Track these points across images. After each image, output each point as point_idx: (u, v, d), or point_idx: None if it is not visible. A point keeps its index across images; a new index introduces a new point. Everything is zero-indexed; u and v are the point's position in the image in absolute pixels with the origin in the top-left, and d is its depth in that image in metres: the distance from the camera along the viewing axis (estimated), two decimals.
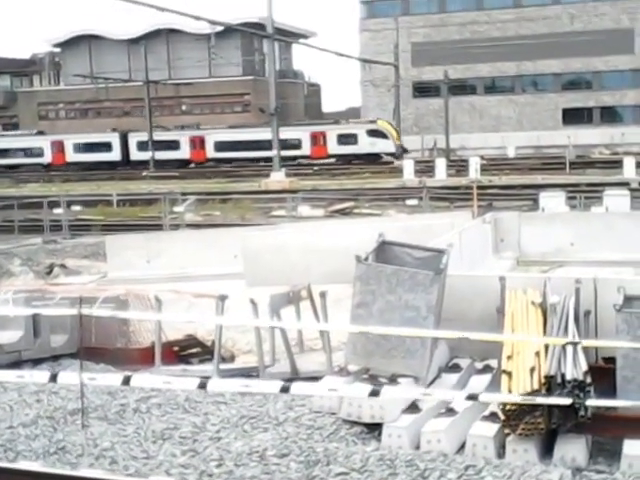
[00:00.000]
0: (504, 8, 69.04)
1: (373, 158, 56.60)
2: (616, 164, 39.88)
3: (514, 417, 6.70)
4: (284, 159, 56.72)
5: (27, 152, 65.99)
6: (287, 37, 60.86)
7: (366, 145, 57.53)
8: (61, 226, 27.57)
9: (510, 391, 6.81)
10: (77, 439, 6.77)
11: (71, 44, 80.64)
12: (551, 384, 6.74)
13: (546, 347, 7.11)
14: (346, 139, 58.17)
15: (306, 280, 11.29)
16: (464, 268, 10.42)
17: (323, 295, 8.67)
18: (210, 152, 61.40)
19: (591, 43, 65.31)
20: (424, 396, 6.83)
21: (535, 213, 17.44)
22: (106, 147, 64.25)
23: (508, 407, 6.77)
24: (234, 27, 50.85)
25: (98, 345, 9.88)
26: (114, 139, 64.59)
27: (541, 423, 6.62)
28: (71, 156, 64.98)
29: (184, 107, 73.10)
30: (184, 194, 32.53)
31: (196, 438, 6.80)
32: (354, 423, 7.12)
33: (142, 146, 62.38)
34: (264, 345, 8.82)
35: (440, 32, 70.41)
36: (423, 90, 70.49)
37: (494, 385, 7.79)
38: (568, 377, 6.67)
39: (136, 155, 63.23)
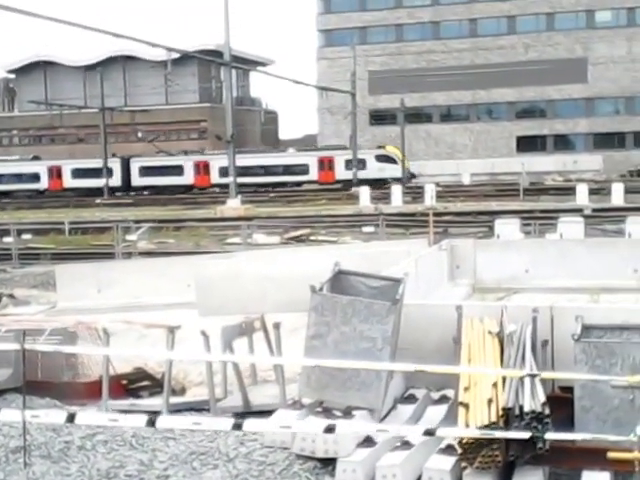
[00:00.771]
0: (460, 37, 70.30)
1: (381, 183, 56.64)
2: (569, 191, 40.44)
3: (471, 450, 6.57)
4: (291, 184, 56.82)
5: (21, 178, 64.12)
6: (245, 65, 60.98)
7: (374, 170, 57.58)
8: (11, 255, 26.94)
9: (467, 424, 6.67)
10: (18, 479, 6.47)
11: (26, 70, 79.93)
12: (509, 416, 6.61)
13: (504, 377, 7.00)
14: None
15: (261, 309, 11.10)
16: (420, 296, 10.32)
17: (277, 326, 8.47)
18: (215, 178, 60.50)
19: (545, 72, 66.69)
20: (380, 431, 6.64)
21: (490, 240, 17.45)
22: (107, 173, 62.97)
23: (465, 440, 6.63)
24: (191, 54, 50.73)
25: (44, 379, 9.53)
26: (115, 164, 63.38)
27: (499, 456, 6.50)
28: (69, 182, 63.78)
29: (140, 134, 72.64)
30: (137, 222, 32.06)
31: (142, 477, 6.57)
32: (307, 458, 6.95)
33: (145, 172, 61.38)
34: (216, 377, 8.57)
35: (397, 61, 71.36)
36: (380, 118, 71.23)
37: (451, 416, 7.66)
38: (526, 409, 6.56)
39: (138, 181, 62.15)
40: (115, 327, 11.16)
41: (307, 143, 75.36)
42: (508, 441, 6.47)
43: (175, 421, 7.10)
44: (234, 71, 51.93)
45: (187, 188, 60.25)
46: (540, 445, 6.37)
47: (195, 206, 47.93)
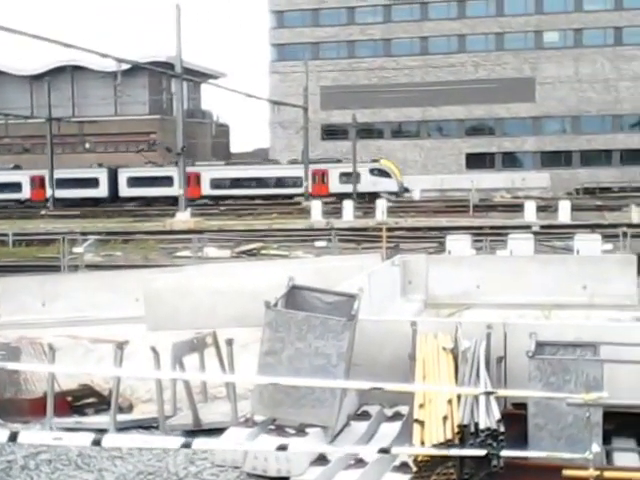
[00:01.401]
0: (411, 55, 71.00)
1: (374, 197, 56.64)
2: (517, 208, 40.98)
3: (426, 468, 6.51)
4: (283, 197, 56.22)
5: (2, 187, 62.24)
6: (196, 77, 60.62)
7: (369, 184, 57.30)
8: None
9: (423, 441, 6.59)
10: None
11: None
12: (464, 433, 6.56)
13: (458, 394, 6.95)
14: (348, 177, 57.93)
15: (211, 324, 10.90)
16: (373, 311, 10.26)
17: (230, 342, 8.29)
18: (206, 189, 59.90)
19: (494, 91, 67.80)
20: (334, 449, 6.52)
21: (442, 256, 17.54)
22: (92, 183, 61.79)
23: (420, 458, 6.55)
24: (141, 65, 50.24)
25: None
26: (102, 175, 62.19)
27: (454, 474, 6.45)
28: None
29: (87, 145, 71.62)
30: (84, 234, 31.45)
31: None
32: (259, 477, 6.80)
33: (133, 182, 60.14)
34: (165, 393, 8.35)
35: (349, 76, 71.82)
36: (332, 133, 71.52)
37: (405, 433, 7.59)
38: (481, 426, 6.52)
39: (126, 192, 60.84)
40: (60, 342, 10.85)
41: (258, 157, 75.20)
42: (463, 459, 6.41)
43: (122, 439, 6.87)
44: (185, 83, 51.69)
45: (177, 200, 59.55)
46: (495, 463, 6.33)
47: (144, 218, 47.28)
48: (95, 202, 59.69)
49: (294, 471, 6.67)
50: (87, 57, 51.62)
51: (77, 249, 27.62)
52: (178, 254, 28.03)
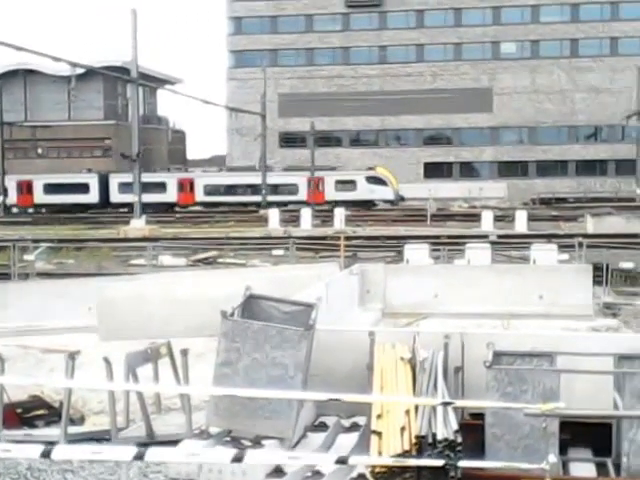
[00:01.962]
0: (370, 64, 71.25)
1: (370, 205, 56.09)
2: (474, 217, 41.26)
3: (383, 479, 6.43)
4: (279, 204, 55.70)
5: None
6: (152, 82, 60.08)
7: (365, 192, 57.06)
8: None
9: (380, 452, 6.53)
10: None
11: None
12: (422, 444, 6.52)
13: (416, 405, 6.91)
14: (344, 185, 57.66)
15: (166, 333, 10.73)
16: (331, 320, 10.18)
17: (185, 352, 8.14)
18: (199, 195, 59.16)
19: (452, 101, 68.36)
20: (290, 460, 6.41)
21: (400, 265, 17.54)
22: (83, 188, 60.44)
23: (377, 469, 6.49)
24: (96, 70, 49.66)
25: None
26: (92, 180, 60.81)
27: None
28: (41, 197, 60.67)
29: (40, 150, 70.51)
30: (35, 241, 30.84)
31: None
32: None
33: (125, 188, 58.99)
34: (118, 404, 8.16)
35: (307, 84, 71.84)
36: (290, 140, 71.43)
37: (362, 444, 7.52)
38: (439, 437, 6.49)
39: (117, 197, 59.41)
40: (10, 352, 10.61)
41: (215, 164, 74.77)
42: (420, 470, 6.37)
43: (73, 452, 6.68)
44: (141, 89, 51.10)
45: (170, 206, 58.67)
46: (452, 473, 6.28)
47: (98, 226, 46.48)
48: (85, 208, 58.71)
49: None
50: (40, 61, 50.76)
51: (28, 257, 27.07)
52: (132, 262, 27.65)
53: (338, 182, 57.82)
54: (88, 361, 9.87)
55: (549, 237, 27.09)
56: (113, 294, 13.05)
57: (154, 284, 14.13)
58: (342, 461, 6.29)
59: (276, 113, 69.69)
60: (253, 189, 57.39)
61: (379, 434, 6.81)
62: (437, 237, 27.87)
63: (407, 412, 6.89)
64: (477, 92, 69.35)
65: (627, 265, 20.99)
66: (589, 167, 69.10)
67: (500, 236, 30.31)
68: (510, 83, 69.63)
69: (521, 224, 37.50)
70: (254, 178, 57.98)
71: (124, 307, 12.83)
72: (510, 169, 68.97)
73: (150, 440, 7.87)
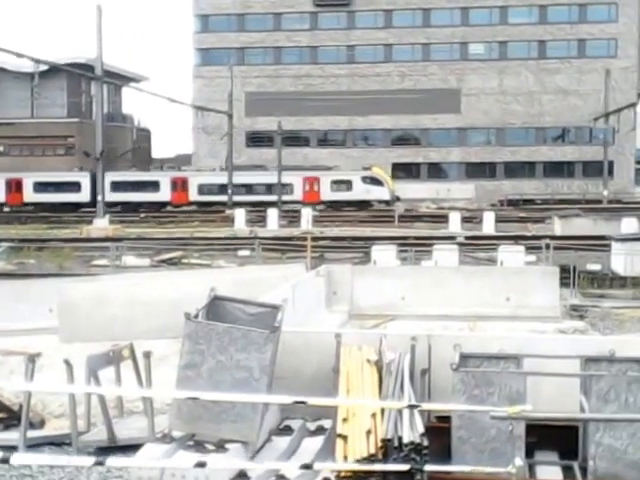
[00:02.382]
0: (338, 63, 71.09)
1: (365, 205, 55.75)
2: (442, 219, 41.33)
3: None
4: (273, 204, 54.08)
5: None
6: (117, 80, 59.39)
7: (361, 192, 56.77)
8: None
9: (346, 456, 6.45)
10: None
11: None
12: (388, 448, 6.45)
13: (382, 408, 6.84)
14: (340, 185, 57.37)
15: (129, 335, 10.54)
16: (297, 322, 10.07)
17: (147, 355, 7.99)
18: (193, 195, 58.43)
19: (420, 101, 68.40)
20: (254, 465, 6.31)
21: (367, 266, 17.46)
22: (74, 187, 59.20)
23: (343, 474, 6.42)
24: (60, 67, 48.99)
25: None
26: (84, 179, 59.38)
27: None
28: (30, 196, 59.35)
29: (1, 148, 69.39)
30: None
31: None
32: None
33: (117, 187, 57.69)
34: (79, 408, 7.99)
35: (274, 83, 71.48)
36: (257, 139, 71.03)
37: (328, 448, 7.44)
38: (405, 440, 6.44)
39: (110, 196, 58.60)
40: None
41: (180, 163, 74.17)
42: (386, 474, 6.30)
43: (32, 457, 6.51)
44: (105, 86, 50.63)
45: (163, 205, 57.96)
46: (418, 477, 6.23)
47: (60, 225, 45.75)
48: (76, 207, 57.67)
49: None
50: (2, 57, 49.83)
51: None
52: (95, 262, 27.29)
53: (334, 182, 57.69)
54: (49, 363, 9.66)
55: (516, 239, 27.20)
56: (74, 295, 12.80)
57: (116, 285, 13.91)
58: (307, 467, 6.22)
59: (243, 112, 69.27)
60: (248, 188, 56.91)
61: (344, 438, 6.74)
62: (404, 238, 27.84)
63: (373, 415, 6.83)
64: (445, 93, 69.50)
65: (594, 267, 21.14)
66: (556, 169, 69.42)
67: (468, 237, 30.40)
68: (478, 84, 69.80)
69: (489, 225, 37.66)
70: (249, 178, 57.67)
71: (85, 308, 12.60)
72: (478, 170, 69.22)
73: (112, 444, 7.73)
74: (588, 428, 6.89)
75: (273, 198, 55.08)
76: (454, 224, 38.23)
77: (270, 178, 57.39)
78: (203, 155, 70.79)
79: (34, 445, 7.87)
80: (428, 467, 6.08)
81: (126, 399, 8.78)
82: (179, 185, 59.01)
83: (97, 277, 16.40)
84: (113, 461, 5.82)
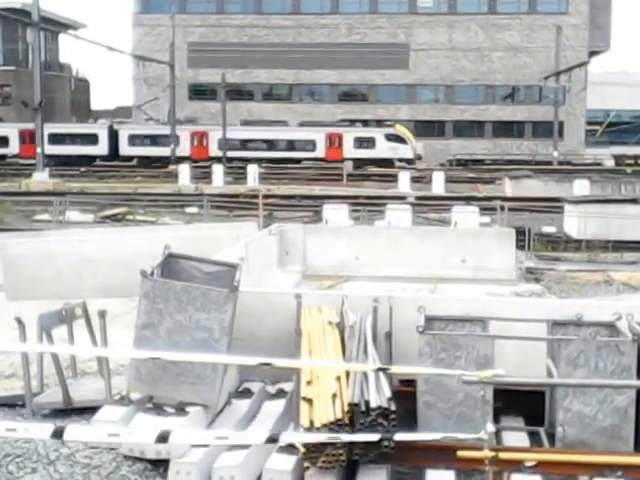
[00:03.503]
0: (283, 14, 69.54)
1: (389, 163, 54.78)
2: (391, 178, 41.27)
3: (314, 449, 6.22)
4: (297, 161, 52.99)
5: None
6: (54, 27, 57.33)
7: (384, 150, 55.78)
8: None
9: (312, 420, 6.29)
10: None
11: None
12: (354, 412, 6.31)
13: (347, 371, 6.70)
14: (363, 142, 56.21)
15: (77, 293, 10.24)
16: (251, 282, 9.87)
17: (102, 314, 7.70)
18: (213, 150, 56.74)
19: (368, 56, 67.37)
20: (218, 440, 6.08)
21: (320, 226, 17.27)
22: (91, 139, 57.38)
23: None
24: None
25: None
26: (101, 131, 57.87)
27: (343, 454, 6.20)
28: (45, 148, 57.35)
29: None
30: None
31: None
32: (136, 459, 6.41)
33: (134, 140, 56.02)
34: (30, 367, 7.68)
35: (218, 33, 69.49)
36: (199, 92, 69.46)
37: (289, 411, 7.32)
38: (372, 405, 6.29)
39: (127, 150, 56.90)
40: None
41: (120, 115, 72.35)
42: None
43: None
44: (42, 33, 48.80)
45: (181, 159, 55.44)
46: (386, 443, 6.13)
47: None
48: (92, 160, 56.31)
49: (174, 453, 6.27)
50: None
51: None
52: (37, 217, 26.61)
53: (357, 139, 56.78)
54: None
55: (467, 199, 27.27)
56: (19, 251, 12.40)
57: (62, 241, 13.50)
58: (273, 439, 6.03)
59: (185, 63, 67.45)
60: (269, 144, 56.07)
61: (309, 401, 6.58)
62: (355, 197, 27.66)
63: (338, 378, 6.68)
64: (393, 47, 68.58)
65: (550, 229, 21.27)
66: (506, 128, 68.94)
67: (418, 197, 30.35)
68: (427, 39, 68.60)
69: (438, 186, 37.55)
70: (270, 133, 56.48)
71: (31, 265, 12.23)
72: (427, 129, 68.29)
73: (67, 406, 7.49)
74: (557, 394, 6.81)
75: (295, 155, 54.48)
76: (404, 184, 38.16)
77: (292, 134, 56.68)
78: (144, 108, 69.01)
79: None
80: (398, 436, 5.96)
81: (78, 359, 8.50)
82: (199, 140, 57.87)
83: (41, 233, 15.92)
84: (72, 433, 5.55)
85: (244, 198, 27.55)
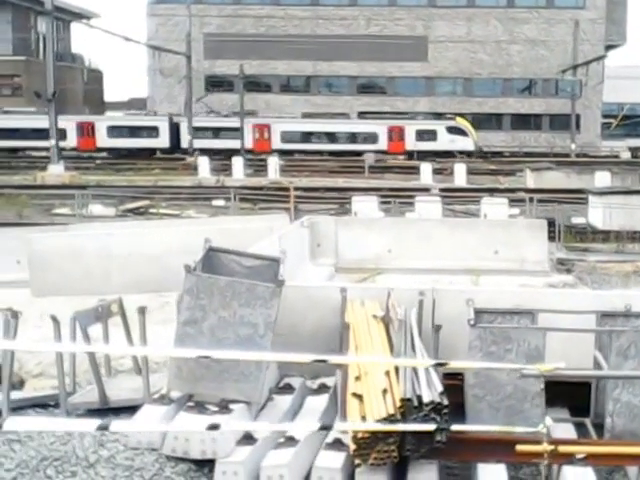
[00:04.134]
0: (301, 5, 69.10)
1: (450, 156, 54.28)
2: (412, 170, 40.99)
3: (365, 446, 6.05)
4: (359, 154, 52.75)
5: (42, 134, 57.22)
6: (66, 16, 56.99)
7: (446, 142, 55.87)
8: None
9: (364, 416, 6.13)
10: None
11: None
12: (407, 407, 6.15)
13: (396, 366, 6.54)
14: (424, 135, 56.30)
15: (105, 289, 10.09)
16: (286, 276, 9.69)
17: (142, 311, 7.54)
18: (276, 143, 56.82)
19: (386, 48, 67.04)
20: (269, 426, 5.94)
21: (351, 218, 17.07)
22: (152, 132, 57.56)
23: (360, 435, 6.10)
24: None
25: None
26: (162, 124, 58.03)
27: (394, 450, 6.04)
28: (104, 141, 57.27)
29: None
30: None
31: None
32: (180, 460, 6.20)
33: (199, 133, 55.75)
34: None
35: (234, 24, 69.04)
36: (216, 84, 69.01)
37: (333, 407, 7.17)
38: (425, 399, 6.12)
39: (189, 142, 56.61)
40: None
41: (134, 107, 72.08)
42: (404, 434, 6.01)
43: (25, 423, 6.07)
44: (54, 23, 48.52)
45: (245, 152, 55.46)
46: (439, 438, 5.96)
47: (9, 171, 43.63)
48: (152, 152, 56.31)
49: (220, 452, 6.11)
50: None
51: None
52: (56, 211, 26.46)
53: (419, 132, 56.70)
54: (23, 319, 9.18)
55: (491, 191, 27.05)
56: (45, 247, 12.24)
57: (89, 236, 13.38)
58: (325, 427, 5.89)
59: (202, 54, 67.06)
60: (330, 137, 56.30)
61: (360, 397, 6.41)
62: (378, 189, 27.40)
63: (387, 373, 6.51)
64: (412, 40, 68.32)
65: (579, 220, 21.15)
66: (523, 121, 68.99)
67: (442, 189, 30.13)
68: (446, 32, 68.52)
69: (460, 177, 37.37)
70: (332, 126, 56.51)
71: (57, 261, 12.08)
72: None
73: (104, 406, 7.31)
74: (607, 385, 6.68)
75: (357, 147, 54.32)
76: (426, 176, 37.95)
77: (354, 126, 56.54)
78: (159, 99, 68.72)
79: (18, 408, 7.41)
80: (455, 427, 5.80)
81: (112, 357, 8.35)
82: (261, 132, 57.73)
83: (66, 227, 15.79)
84: (118, 426, 5.43)
85: (274, 191, 27.32)
